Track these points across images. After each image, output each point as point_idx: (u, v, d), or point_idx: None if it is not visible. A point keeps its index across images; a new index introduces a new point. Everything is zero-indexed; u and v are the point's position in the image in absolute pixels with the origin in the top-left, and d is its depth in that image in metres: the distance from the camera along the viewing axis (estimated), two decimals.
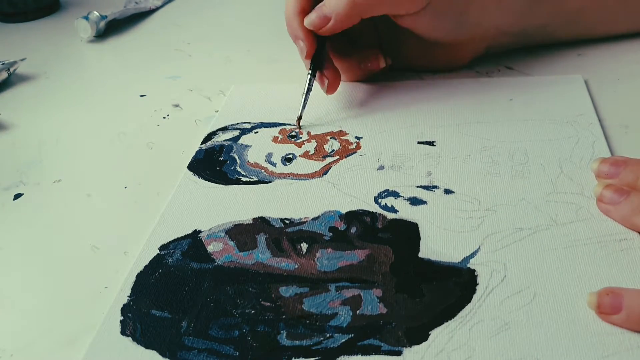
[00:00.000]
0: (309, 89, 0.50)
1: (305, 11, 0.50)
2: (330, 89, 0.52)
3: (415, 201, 0.41)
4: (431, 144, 0.47)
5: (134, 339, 0.34)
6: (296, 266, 0.37)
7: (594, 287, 0.33)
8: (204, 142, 0.50)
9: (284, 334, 0.33)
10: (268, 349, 0.33)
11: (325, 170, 0.45)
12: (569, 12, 0.54)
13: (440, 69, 0.55)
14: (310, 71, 0.50)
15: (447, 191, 0.42)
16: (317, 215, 0.41)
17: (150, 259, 0.39)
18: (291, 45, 0.52)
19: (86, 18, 0.72)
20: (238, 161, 0.47)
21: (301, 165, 0.46)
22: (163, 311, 0.35)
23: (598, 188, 0.39)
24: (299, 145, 0.48)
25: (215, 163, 0.47)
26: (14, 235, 0.44)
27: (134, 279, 0.38)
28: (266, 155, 0.47)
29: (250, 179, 0.45)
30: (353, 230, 0.39)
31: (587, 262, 0.35)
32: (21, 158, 0.52)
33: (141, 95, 0.60)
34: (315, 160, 0.46)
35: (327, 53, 0.51)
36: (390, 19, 0.51)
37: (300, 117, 0.50)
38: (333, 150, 0.47)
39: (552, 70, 0.54)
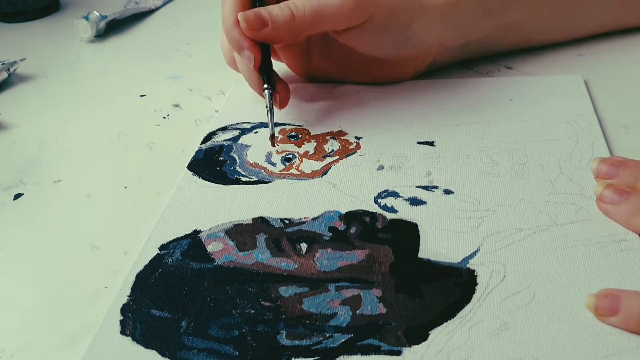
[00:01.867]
0: (271, 105, 0.48)
1: None
2: (283, 102, 0.50)
3: (414, 201, 0.41)
4: (431, 144, 0.47)
5: (134, 339, 0.34)
6: (296, 266, 0.37)
7: (594, 288, 0.33)
8: (203, 142, 0.50)
9: (284, 334, 0.33)
10: (267, 348, 0.33)
11: (325, 170, 0.45)
12: (507, 24, 0.54)
13: (378, 81, 0.54)
14: (265, 85, 0.48)
15: (447, 191, 0.42)
16: (316, 215, 0.41)
17: (150, 258, 0.39)
18: None
19: (86, 18, 0.72)
20: (238, 161, 0.47)
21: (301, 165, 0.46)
22: (163, 311, 0.35)
23: (598, 188, 0.39)
24: (299, 145, 0.48)
25: (215, 163, 0.47)
26: (13, 235, 0.44)
27: (133, 278, 0.38)
28: (266, 155, 0.47)
29: (250, 179, 0.45)
30: (353, 230, 0.39)
31: (587, 262, 0.35)
32: (21, 158, 0.52)
33: (141, 95, 0.60)
34: (315, 160, 0.46)
35: (270, 62, 0.50)
36: (328, 36, 0.50)
37: (273, 135, 0.47)
38: (333, 150, 0.47)
39: (552, 71, 0.54)
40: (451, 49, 0.54)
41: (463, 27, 0.52)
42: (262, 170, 0.46)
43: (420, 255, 0.37)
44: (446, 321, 0.33)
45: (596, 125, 0.46)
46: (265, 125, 0.51)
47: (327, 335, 0.33)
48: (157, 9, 0.81)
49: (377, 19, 0.48)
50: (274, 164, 0.46)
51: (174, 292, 0.36)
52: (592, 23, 0.57)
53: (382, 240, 0.38)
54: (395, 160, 0.45)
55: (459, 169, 0.44)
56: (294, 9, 0.46)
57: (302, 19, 0.46)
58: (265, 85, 0.48)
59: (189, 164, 0.47)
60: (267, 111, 0.47)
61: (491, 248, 0.37)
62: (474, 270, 0.36)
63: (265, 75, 0.49)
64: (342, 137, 0.49)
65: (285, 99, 0.50)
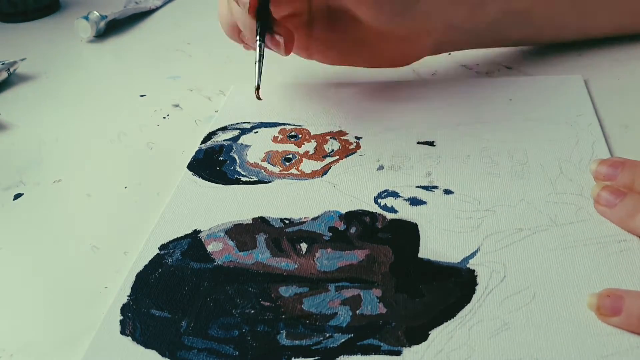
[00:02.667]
0: (260, 55, 0.45)
1: None
2: (287, 49, 0.47)
3: (414, 201, 0.41)
4: (431, 144, 0.47)
5: (134, 339, 0.34)
6: (296, 266, 0.37)
7: (594, 288, 0.33)
8: (203, 142, 0.50)
9: (284, 334, 0.33)
10: (267, 348, 0.33)
11: (325, 171, 0.45)
12: (518, 12, 0.51)
13: (380, 65, 0.52)
14: (258, 34, 0.45)
15: (447, 191, 0.42)
16: (316, 215, 0.41)
17: (150, 258, 0.39)
18: None
19: (86, 18, 0.72)
20: (238, 161, 0.47)
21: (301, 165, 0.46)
22: (163, 311, 0.35)
23: (595, 189, 0.39)
24: (299, 145, 0.48)
25: (215, 163, 0.47)
26: (13, 235, 0.44)
27: (133, 278, 0.38)
28: (266, 155, 0.47)
29: (250, 179, 0.45)
30: (353, 230, 0.39)
31: (587, 262, 0.35)
32: (21, 158, 0.52)
33: (141, 95, 0.60)
34: (315, 160, 0.46)
35: (268, 4, 0.46)
36: (330, 8, 0.47)
37: (258, 87, 0.46)
38: (333, 150, 0.47)
39: (552, 70, 0.54)
40: (458, 30, 0.51)
41: (471, 6, 0.50)
42: (262, 170, 0.46)
43: (420, 255, 0.37)
44: (446, 321, 0.33)
45: (596, 126, 0.46)
46: (265, 125, 0.51)
47: (327, 335, 0.33)
48: (157, 9, 0.81)
49: None
50: (273, 164, 0.46)
51: (174, 292, 0.36)
52: (607, 23, 0.55)
53: (382, 240, 0.38)
54: (395, 160, 0.45)
55: (459, 169, 0.44)
56: None
57: None
58: (258, 35, 0.46)
59: (189, 164, 0.47)
60: (255, 61, 0.46)
61: (491, 248, 0.37)
62: (474, 270, 0.36)
63: (259, 22, 0.46)
64: (342, 137, 0.49)
65: (288, 45, 0.47)
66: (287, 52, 0.47)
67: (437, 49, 0.53)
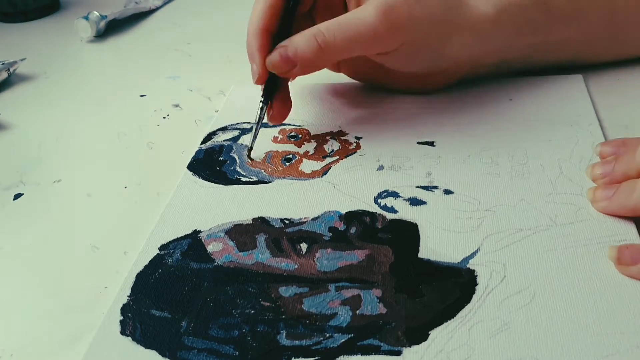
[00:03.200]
0: (260, 119, 0.47)
1: (268, 31, 0.46)
2: (274, 119, 0.48)
3: (415, 201, 0.41)
4: (431, 144, 0.47)
5: (134, 339, 0.34)
6: (296, 266, 0.37)
7: (593, 288, 0.34)
8: (203, 142, 0.50)
9: (284, 334, 0.33)
10: (268, 348, 0.33)
11: (325, 171, 0.45)
12: (553, 43, 0.50)
13: (410, 92, 0.52)
14: (262, 99, 0.47)
15: (447, 191, 0.42)
16: (316, 216, 0.41)
17: (150, 259, 0.39)
18: None
19: (86, 18, 0.72)
20: (238, 161, 0.47)
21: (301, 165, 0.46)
22: (163, 311, 0.35)
23: (589, 194, 0.39)
24: (299, 145, 0.48)
25: (215, 163, 0.47)
26: (13, 235, 0.44)
27: (133, 278, 0.38)
28: (266, 155, 0.47)
29: (250, 179, 0.45)
30: (353, 230, 0.39)
31: (587, 262, 0.35)
32: (21, 158, 0.52)
33: (141, 95, 0.60)
34: (315, 160, 0.46)
35: (281, 81, 0.48)
36: None
37: (250, 149, 0.47)
38: (333, 150, 0.47)
39: (552, 70, 0.54)
40: (486, 65, 0.51)
41: (501, 43, 0.49)
42: (262, 170, 0.46)
43: (420, 255, 0.37)
44: (446, 321, 0.33)
45: (596, 126, 0.46)
46: (265, 125, 0.51)
47: (327, 335, 0.33)
48: (157, 9, 0.81)
49: (412, 43, 0.46)
50: (274, 164, 0.46)
51: (174, 292, 0.36)
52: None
53: (382, 241, 0.38)
54: (395, 161, 0.45)
55: (459, 169, 0.44)
56: (321, 40, 0.44)
57: (332, 48, 0.44)
58: (261, 99, 0.47)
59: (189, 164, 0.47)
60: (254, 123, 0.47)
61: (491, 248, 0.37)
62: (474, 270, 0.36)
63: (265, 90, 0.47)
64: (342, 137, 0.48)
65: (277, 116, 0.48)
66: (273, 121, 0.49)
67: (461, 79, 0.52)
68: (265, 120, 0.48)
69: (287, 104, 0.49)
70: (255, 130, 0.47)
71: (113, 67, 0.68)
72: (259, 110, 0.47)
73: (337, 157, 0.46)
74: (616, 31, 0.51)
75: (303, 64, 0.45)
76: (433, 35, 0.47)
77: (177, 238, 0.40)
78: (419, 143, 0.47)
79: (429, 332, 0.32)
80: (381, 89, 0.54)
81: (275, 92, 0.48)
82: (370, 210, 0.41)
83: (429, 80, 0.51)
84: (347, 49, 0.45)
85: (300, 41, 0.44)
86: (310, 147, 0.48)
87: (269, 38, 0.46)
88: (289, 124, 0.51)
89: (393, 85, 0.53)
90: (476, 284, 0.35)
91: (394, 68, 0.49)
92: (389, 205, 0.41)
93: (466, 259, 0.36)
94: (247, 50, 0.47)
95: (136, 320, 0.35)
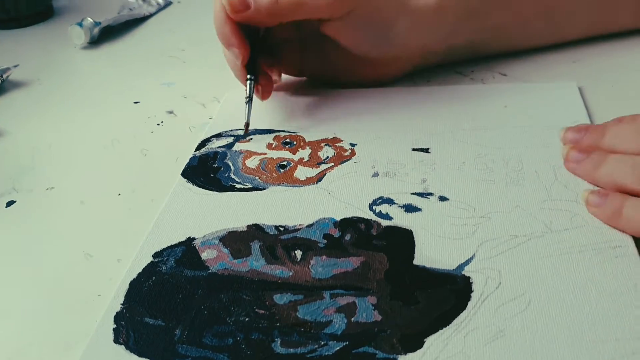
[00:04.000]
0: (251, 95, 0.50)
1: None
2: (265, 94, 0.53)
3: (409, 208, 0.41)
4: (426, 151, 0.46)
5: (127, 347, 0.34)
6: (290, 273, 0.37)
7: (589, 294, 0.33)
8: (198, 148, 0.50)
9: (278, 342, 0.33)
10: (262, 356, 0.32)
11: (319, 177, 0.45)
12: (491, 28, 0.55)
13: (366, 85, 0.55)
14: (249, 77, 0.50)
15: (442, 198, 0.42)
16: (311, 223, 0.41)
17: (144, 266, 0.39)
18: None
19: (80, 24, 0.72)
20: (232, 168, 0.47)
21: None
22: (156, 319, 0.35)
23: (564, 150, 0.43)
24: (294, 151, 0.48)
25: (209, 170, 0.47)
26: (6, 242, 0.43)
27: (127, 286, 0.37)
28: (260, 162, 0.47)
29: (245, 186, 0.45)
30: (347, 237, 0.39)
31: (582, 269, 0.35)
32: (14, 165, 0.52)
33: (135, 102, 0.59)
34: (309, 167, 0.46)
35: (257, 58, 0.51)
36: (315, 28, 0.51)
37: (247, 124, 0.50)
38: (327, 157, 0.47)
39: (547, 77, 0.54)
40: (434, 53, 0.55)
41: (446, 30, 0.53)
42: (257, 177, 0.46)
43: (416, 262, 0.37)
44: (441, 328, 0.33)
45: None
46: (260, 132, 0.51)
47: (322, 343, 0.33)
48: (151, 15, 0.81)
49: (359, 13, 0.49)
50: (268, 171, 0.46)
51: (167, 300, 0.36)
52: (577, 27, 0.58)
53: (377, 248, 0.38)
54: (390, 167, 0.45)
55: (454, 175, 0.44)
56: None
57: (285, 4, 0.47)
58: (249, 76, 0.50)
59: (183, 171, 0.47)
60: (247, 100, 0.50)
61: (486, 255, 0.37)
62: (469, 277, 0.35)
63: (250, 70, 0.50)
64: (336, 144, 0.48)
65: (266, 91, 0.53)
66: (264, 97, 0.53)
67: (415, 67, 0.56)
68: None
69: (270, 80, 0.53)
70: (248, 108, 0.50)
71: (107, 73, 0.68)
72: (249, 87, 0.50)
73: (332, 163, 0.46)
74: (548, 14, 0.56)
75: (257, 8, 0.47)
76: (377, 14, 0.50)
77: (171, 245, 0.40)
78: (413, 150, 0.47)
79: (424, 340, 0.32)
80: (375, 96, 0.54)
81: (258, 70, 0.51)
82: (365, 217, 0.41)
83: (383, 69, 0.54)
84: (298, 6, 0.47)
85: None
86: (304, 153, 0.48)
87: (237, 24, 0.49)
88: (284, 131, 0.51)
89: (349, 77, 0.55)
90: (471, 291, 0.35)
91: (345, 43, 0.51)
92: (383, 212, 0.41)
93: (461, 266, 0.36)
94: (221, 39, 0.50)
95: (129, 328, 0.35)
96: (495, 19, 0.54)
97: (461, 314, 0.33)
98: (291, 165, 0.47)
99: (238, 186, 0.45)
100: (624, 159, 0.39)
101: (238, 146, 0.49)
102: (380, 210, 0.41)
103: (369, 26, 0.50)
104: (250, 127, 0.51)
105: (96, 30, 0.73)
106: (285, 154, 0.48)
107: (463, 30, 0.54)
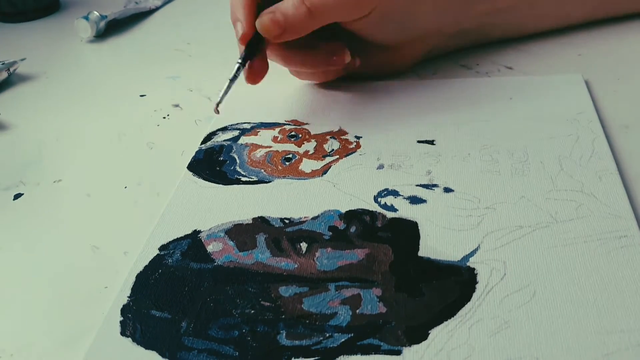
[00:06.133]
0: (235, 77, 0.48)
1: None
2: (251, 78, 0.49)
3: (414, 200, 0.41)
4: (431, 142, 0.46)
5: (134, 340, 0.34)
6: (296, 266, 0.37)
7: (594, 285, 0.33)
8: (203, 142, 0.50)
9: (284, 334, 0.33)
10: (268, 348, 0.33)
11: (325, 170, 0.45)
12: (500, 9, 0.55)
13: (382, 74, 0.55)
14: (240, 58, 0.48)
15: (447, 190, 0.42)
16: (316, 215, 0.41)
17: (150, 259, 0.39)
18: None
19: (86, 18, 0.72)
20: (238, 161, 0.47)
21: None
22: (163, 311, 0.35)
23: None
24: (299, 144, 0.48)
25: (215, 163, 0.47)
26: (13, 235, 0.44)
27: (133, 279, 0.37)
28: (266, 155, 0.47)
29: (250, 179, 0.45)
30: (353, 229, 0.39)
31: (587, 259, 0.35)
32: (21, 158, 0.52)
33: (141, 95, 0.60)
34: (315, 159, 0.46)
35: (263, 42, 0.49)
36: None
37: (218, 103, 0.47)
38: (333, 149, 0.47)
39: (552, 71, 0.54)
40: (447, 35, 0.55)
41: (457, 12, 0.54)
42: (262, 170, 0.46)
43: (420, 253, 0.37)
44: (446, 320, 0.33)
45: (596, 123, 0.46)
46: (265, 125, 0.51)
47: (327, 335, 0.33)
48: (157, 8, 0.81)
49: (381, 8, 0.49)
50: (273, 164, 0.46)
51: (174, 293, 0.36)
52: (584, 8, 0.58)
53: (382, 239, 0.38)
54: (395, 159, 0.45)
55: (459, 167, 0.44)
56: (310, 3, 0.46)
57: (321, 10, 0.47)
58: (239, 58, 0.48)
59: (189, 164, 0.47)
60: (228, 80, 0.47)
61: (491, 246, 0.37)
62: (474, 269, 0.35)
63: (246, 50, 0.48)
64: (342, 137, 0.48)
65: (255, 75, 0.49)
66: (250, 81, 0.50)
67: (429, 53, 0.56)
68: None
69: (264, 66, 0.50)
70: (227, 88, 0.47)
71: (113, 67, 0.68)
72: (235, 69, 0.47)
73: (337, 156, 0.46)
74: None
75: (291, 28, 0.47)
76: (400, 4, 0.50)
77: (177, 238, 0.40)
78: (419, 142, 0.47)
79: (429, 331, 0.32)
80: (381, 88, 0.54)
81: (255, 53, 0.49)
82: (370, 209, 0.41)
83: (398, 56, 0.54)
84: (334, 11, 0.48)
85: (289, 7, 0.47)
86: (310, 146, 0.48)
87: (254, 1, 0.49)
88: (289, 124, 0.51)
89: (367, 67, 0.54)
90: (476, 282, 0.35)
91: (365, 35, 0.51)
92: (388, 204, 0.41)
93: (466, 257, 0.36)
94: (231, 13, 0.49)
95: (136, 320, 0.35)
96: (504, 1, 0.55)
97: (466, 306, 0.33)
98: (296, 158, 0.47)
99: (244, 179, 0.45)
100: None
101: (244, 139, 0.50)
102: (385, 202, 0.41)
103: (389, 18, 0.50)
104: (256, 121, 0.51)
105: (102, 23, 0.73)
106: (290, 146, 0.48)
107: (473, 12, 0.54)
